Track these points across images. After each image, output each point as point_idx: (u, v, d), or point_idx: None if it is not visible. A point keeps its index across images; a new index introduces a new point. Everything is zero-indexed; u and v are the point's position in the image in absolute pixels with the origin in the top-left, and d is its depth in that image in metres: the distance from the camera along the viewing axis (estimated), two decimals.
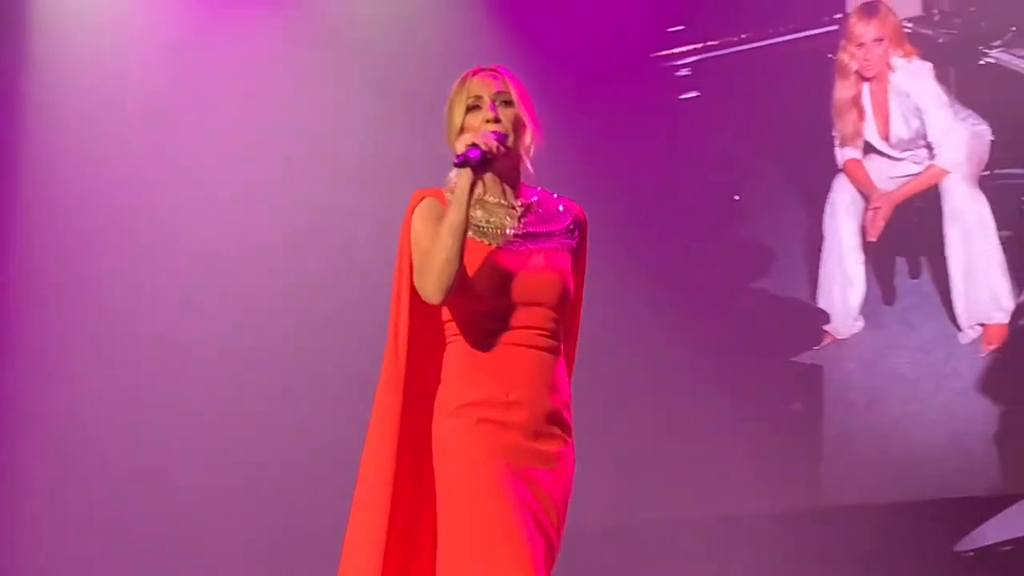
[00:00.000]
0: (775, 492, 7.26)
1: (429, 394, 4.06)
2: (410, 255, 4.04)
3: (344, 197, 7.69)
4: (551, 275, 4.04)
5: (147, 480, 7.58)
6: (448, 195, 4.04)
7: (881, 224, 7.32)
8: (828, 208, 7.42)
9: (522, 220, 4.09)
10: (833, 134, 7.43)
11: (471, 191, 3.94)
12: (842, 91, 7.41)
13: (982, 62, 7.21)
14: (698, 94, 7.79)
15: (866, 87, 7.37)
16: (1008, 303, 7.05)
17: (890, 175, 7.34)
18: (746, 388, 7.34)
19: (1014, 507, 6.78)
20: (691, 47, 7.81)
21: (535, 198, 4.12)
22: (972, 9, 7.30)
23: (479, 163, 3.92)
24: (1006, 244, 7.10)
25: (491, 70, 4.13)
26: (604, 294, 7.46)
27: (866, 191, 7.39)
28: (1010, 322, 7.05)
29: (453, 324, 4.04)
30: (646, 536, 7.39)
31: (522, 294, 4.01)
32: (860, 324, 7.37)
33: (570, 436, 4.08)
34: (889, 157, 7.34)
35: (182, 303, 7.64)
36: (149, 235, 7.70)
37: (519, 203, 4.10)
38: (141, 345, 7.63)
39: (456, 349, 4.04)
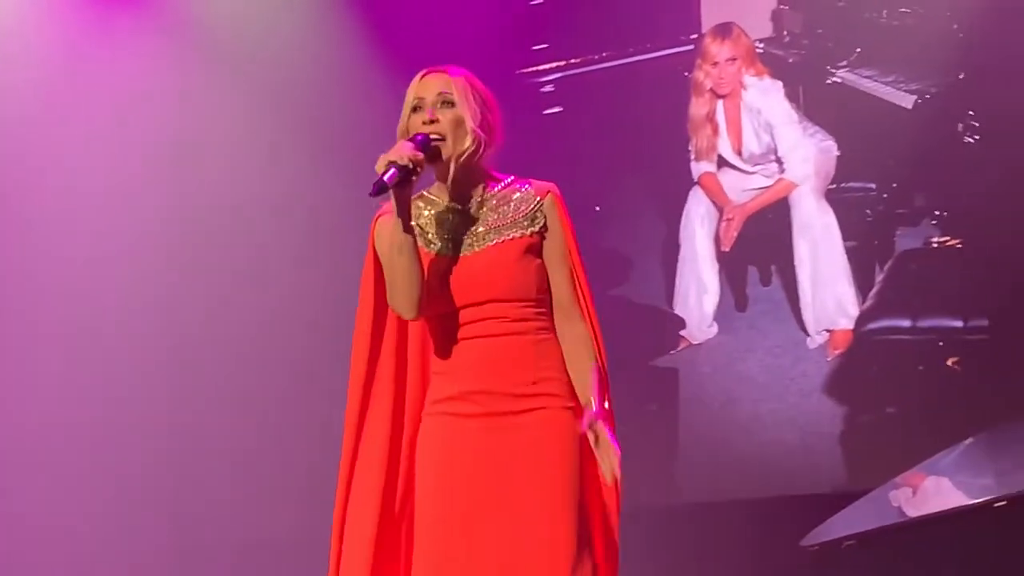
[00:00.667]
0: (631, 490, 7.14)
1: (414, 398, 4.15)
2: (375, 276, 4.09)
3: (222, 195, 7.70)
4: (497, 269, 4.03)
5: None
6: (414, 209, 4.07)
7: (734, 234, 7.47)
8: (684, 219, 7.55)
9: (474, 219, 4.07)
10: (689, 148, 7.56)
11: (405, 208, 3.93)
12: (697, 108, 7.54)
13: (829, 81, 7.38)
14: (561, 109, 7.89)
15: (720, 104, 7.50)
16: (853, 310, 7.23)
17: (742, 188, 7.49)
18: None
19: (857, 503, 6.94)
20: (555, 64, 7.91)
21: (491, 191, 4.10)
22: (820, 31, 7.45)
23: (401, 180, 3.89)
24: (851, 254, 7.26)
25: (439, 70, 4.09)
26: None
27: (720, 203, 7.52)
28: (855, 328, 7.21)
29: (428, 331, 4.12)
30: None
31: (465, 295, 4.02)
32: (714, 329, 7.50)
33: (559, 401, 4.04)
34: (742, 171, 7.49)
35: (61, 304, 7.54)
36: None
37: (473, 201, 4.09)
38: (40, 345, 7.54)
39: (433, 353, 4.10)
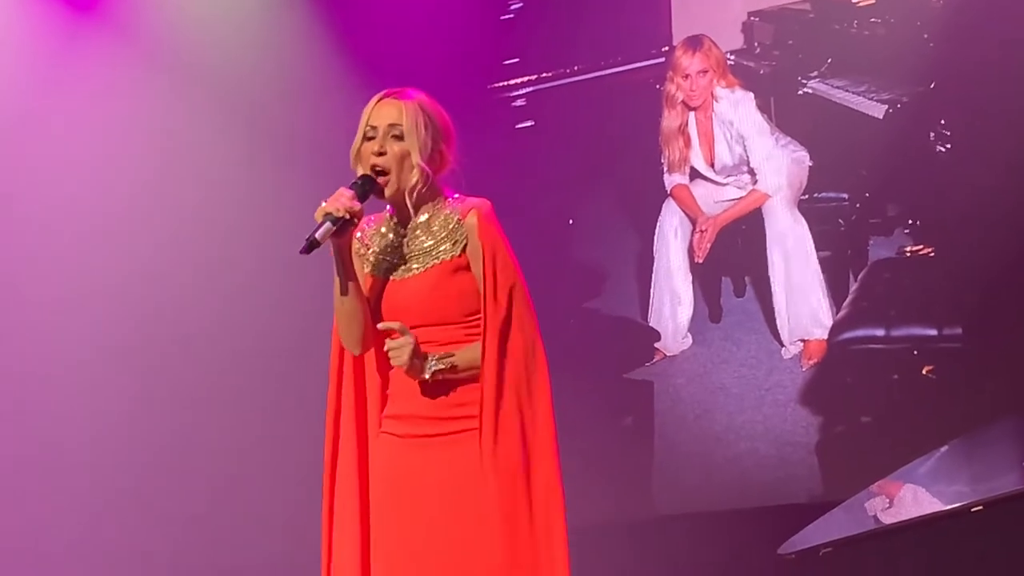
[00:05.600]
0: (608, 503, 7.34)
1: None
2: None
3: (195, 199, 7.72)
4: (422, 294, 4.15)
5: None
6: (362, 231, 4.24)
7: (707, 246, 7.48)
8: (658, 231, 7.58)
9: (407, 244, 4.18)
10: (661, 161, 7.57)
11: (345, 255, 4.10)
12: (669, 120, 7.56)
13: (801, 92, 7.40)
14: (533, 123, 7.92)
15: (692, 116, 7.52)
16: (827, 320, 7.24)
17: (715, 199, 7.51)
18: (581, 404, 7.39)
19: (833, 512, 6.95)
20: (526, 78, 7.95)
21: (427, 216, 4.18)
22: (791, 42, 7.48)
23: (338, 230, 4.01)
24: (825, 264, 7.28)
25: (393, 96, 4.17)
26: None
27: (693, 215, 7.54)
28: (829, 338, 7.22)
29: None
30: None
31: (398, 319, 4.12)
32: (688, 341, 7.52)
33: (465, 426, 4.13)
34: (714, 182, 7.51)
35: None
36: None
37: (414, 224, 4.18)
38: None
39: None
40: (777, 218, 7.39)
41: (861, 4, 7.33)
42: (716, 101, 7.50)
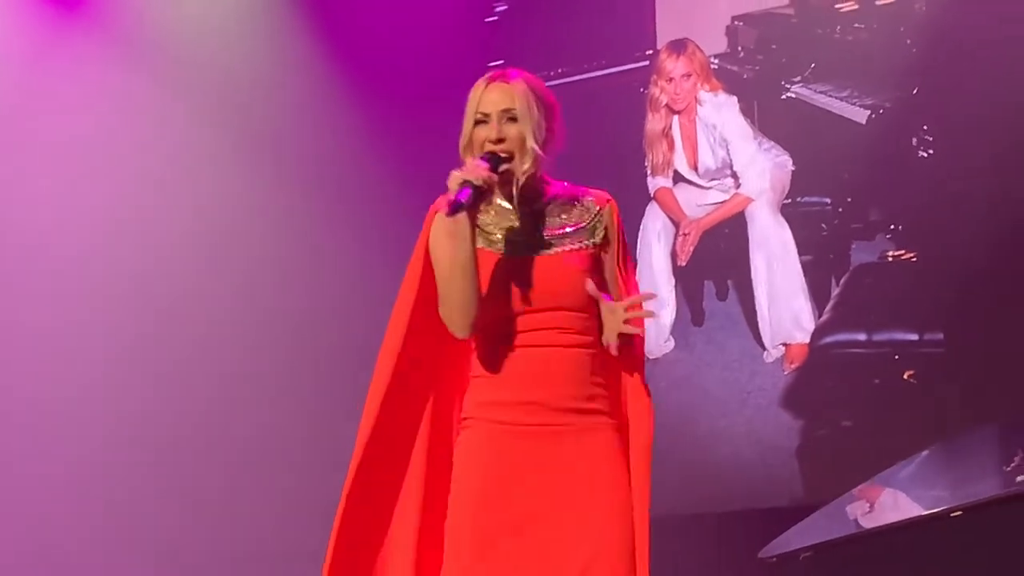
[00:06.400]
0: None
1: (448, 401, 4.11)
2: (423, 270, 4.06)
3: (172, 199, 7.72)
4: (564, 277, 4.00)
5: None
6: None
7: (690, 249, 7.49)
8: (641, 234, 7.58)
9: (537, 224, 4.04)
10: (645, 164, 7.60)
11: (472, 229, 3.91)
12: (653, 123, 7.59)
13: (784, 96, 7.42)
14: None
15: (676, 119, 7.54)
16: (809, 324, 7.25)
17: (698, 203, 7.52)
18: None
19: (814, 515, 6.96)
20: None
21: (552, 199, 4.09)
22: (774, 46, 7.51)
23: (474, 199, 3.86)
24: (807, 268, 7.30)
25: (502, 80, 4.06)
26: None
27: (676, 218, 7.55)
28: (811, 342, 7.24)
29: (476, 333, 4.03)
30: None
31: (532, 300, 3.96)
32: (671, 344, 7.53)
33: (609, 420, 4.05)
34: (697, 186, 7.53)
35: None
36: None
37: (534, 207, 4.05)
38: None
39: (477, 356, 4.04)
40: (760, 222, 7.41)
41: (844, 9, 7.35)
42: (700, 105, 7.51)
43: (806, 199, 7.38)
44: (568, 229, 4.06)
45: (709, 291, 7.55)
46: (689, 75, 7.52)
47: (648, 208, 7.62)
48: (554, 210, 4.07)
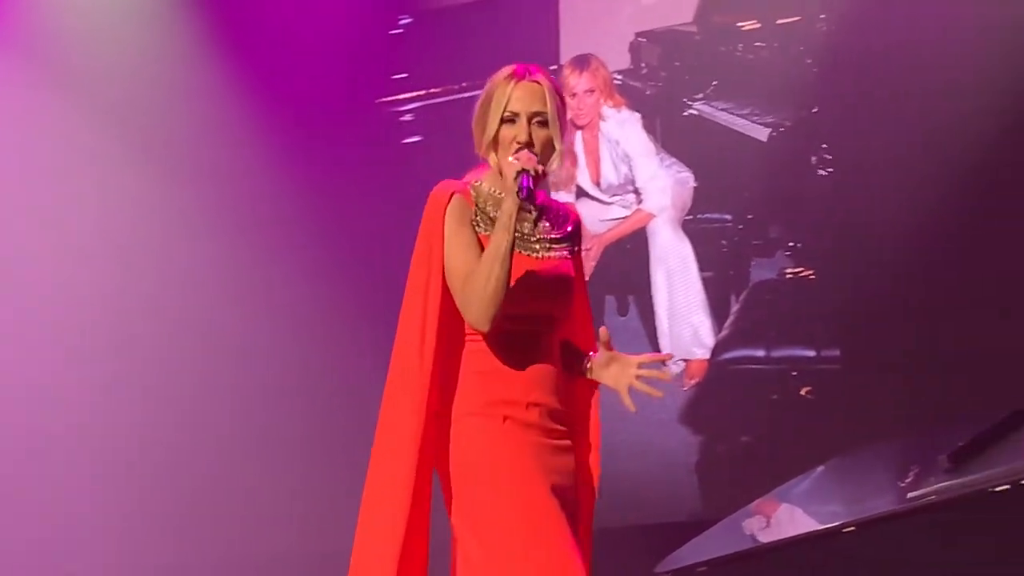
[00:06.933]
0: None
1: (441, 391, 3.95)
2: (441, 254, 3.91)
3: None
4: (560, 283, 3.96)
5: None
6: (473, 192, 3.96)
7: (592, 264, 7.50)
8: None
9: (537, 225, 3.98)
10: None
11: (516, 219, 3.82)
12: None
13: (686, 113, 7.48)
14: (420, 139, 7.91)
15: (579, 135, 7.55)
16: (709, 340, 7.31)
17: (601, 218, 7.53)
18: None
19: (710, 530, 6.96)
20: (414, 94, 7.94)
21: (543, 205, 3.99)
22: (677, 64, 7.55)
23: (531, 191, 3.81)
24: (708, 284, 7.34)
25: (534, 80, 3.97)
26: (342, 332, 7.62)
27: None
28: (710, 358, 7.29)
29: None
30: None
31: (538, 299, 3.90)
32: None
33: (570, 434, 4.04)
34: (600, 201, 7.54)
35: None
36: None
37: (534, 209, 3.96)
38: None
39: (475, 348, 3.92)
40: (661, 238, 7.45)
41: (746, 28, 7.41)
42: (603, 120, 7.54)
43: (707, 215, 7.43)
44: (559, 236, 4.01)
45: (610, 306, 7.57)
46: (592, 91, 7.54)
47: None
48: (549, 215, 4.01)
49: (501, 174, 3.95)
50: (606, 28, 7.65)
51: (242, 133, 7.87)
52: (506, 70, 4.00)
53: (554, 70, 7.64)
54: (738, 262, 7.35)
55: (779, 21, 7.35)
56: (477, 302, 3.82)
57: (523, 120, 3.93)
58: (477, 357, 3.93)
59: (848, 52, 7.16)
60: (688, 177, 7.45)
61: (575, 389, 4.13)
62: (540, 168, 3.86)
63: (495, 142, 3.96)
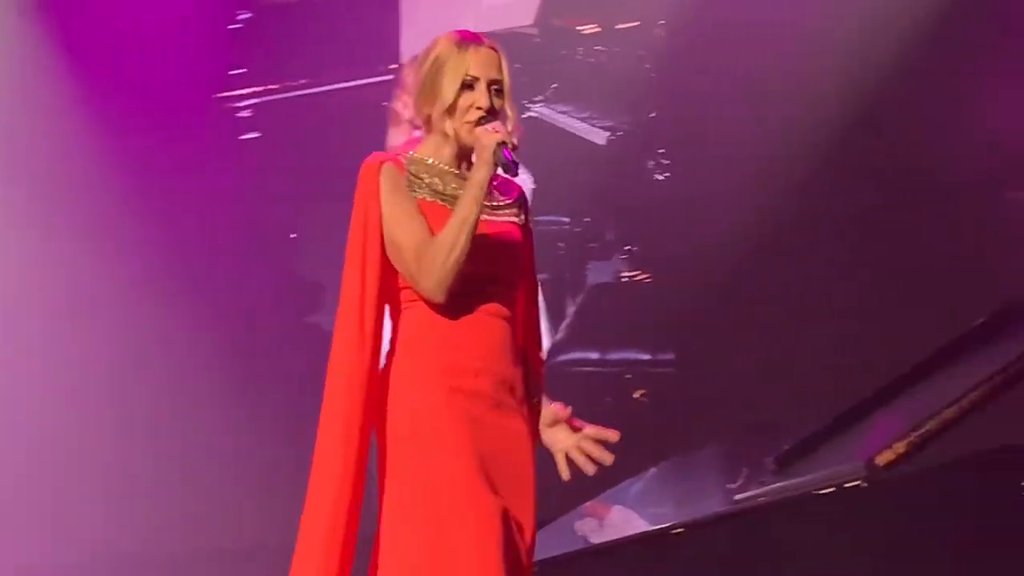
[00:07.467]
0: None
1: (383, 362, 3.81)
2: (378, 224, 3.80)
3: None
4: (510, 247, 3.84)
5: None
6: (405, 161, 3.83)
7: None
8: None
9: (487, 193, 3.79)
10: None
11: (486, 188, 3.71)
12: (395, 138, 7.50)
13: (525, 115, 7.33)
14: (259, 135, 7.84)
15: (418, 135, 7.57)
16: (544, 342, 7.30)
17: None
18: (298, 418, 7.33)
19: (542, 531, 7.02)
20: (253, 90, 7.87)
21: (512, 168, 3.77)
22: (517, 66, 7.35)
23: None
24: (544, 286, 7.16)
25: (491, 47, 3.84)
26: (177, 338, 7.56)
27: None
28: (546, 360, 7.25)
29: (411, 290, 3.79)
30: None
31: (486, 263, 3.76)
32: None
33: (526, 407, 3.87)
34: None
35: None
36: None
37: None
38: None
39: (415, 315, 3.80)
40: None
41: (587, 32, 7.45)
42: None
43: (544, 218, 7.40)
44: (507, 201, 3.90)
45: None
46: None
47: None
48: (493, 182, 3.83)
49: (460, 141, 3.80)
50: (447, 28, 7.58)
51: (75, 128, 7.76)
52: (452, 36, 3.86)
53: (395, 69, 7.64)
54: (574, 265, 7.39)
55: (619, 26, 7.40)
56: (438, 271, 3.70)
57: (483, 85, 3.78)
58: (418, 324, 3.80)
59: (685, 57, 7.23)
60: (527, 179, 7.42)
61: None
62: (515, 140, 3.74)
63: (451, 109, 3.79)
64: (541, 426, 3.93)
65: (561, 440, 3.92)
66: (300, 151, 7.80)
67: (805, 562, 4.98)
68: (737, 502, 5.30)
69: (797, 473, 5.13)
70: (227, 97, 7.91)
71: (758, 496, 5.21)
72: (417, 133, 4.02)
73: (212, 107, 7.88)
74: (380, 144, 7.60)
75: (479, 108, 3.76)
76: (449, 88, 3.77)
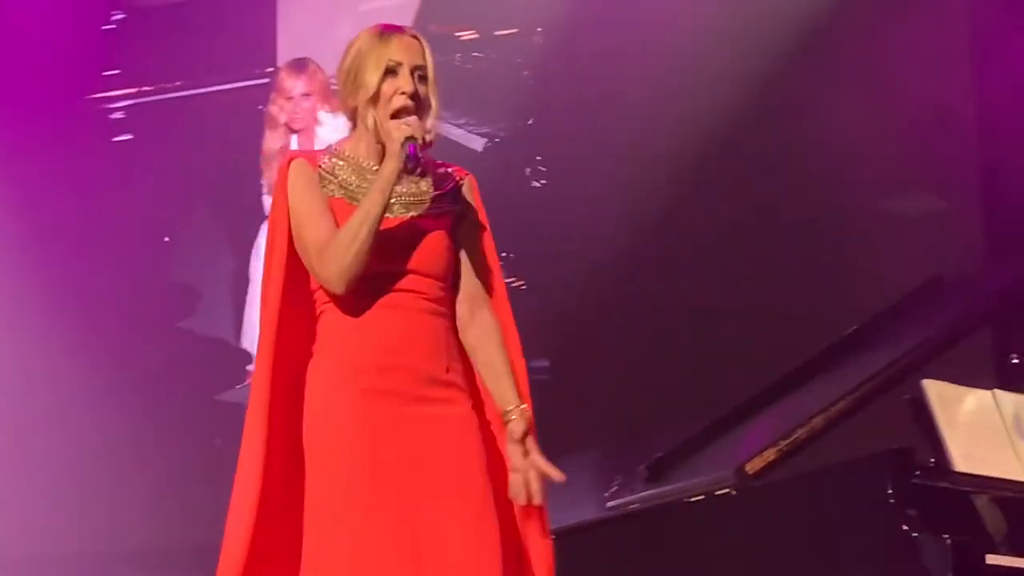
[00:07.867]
0: (194, 524, 7.29)
1: (302, 364, 3.81)
2: (286, 221, 3.80)
3: None
4: (421, 240, 3.82)
5: None
6: (326, 159, 3.84)
7: None
8: (254, 252, 7.45)
9: (405, 186, 3.83)
10: (261, 182, 7.48)
11: (394, 183, 3.72)
12: (271, 142, 7.51)
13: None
14: (132, 137, 7.81)
15: (294, 139, 7.43)
16: None
17: None
18: (171, 424, 7.40)
19: None
20: (126, 91, 7.84)
21: (412, 165, 3.79)
22: None
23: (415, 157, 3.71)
24: None
25: (412, 35, 3.87)
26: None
27: None
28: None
29: (324, 292, 3.79)
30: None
31: (386, 259, 3.76)
32: None
33: (466, 397, 3.86)
34: None
35: None
36: None
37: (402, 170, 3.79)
38: None
39: (327, 318, 3.81)
40: None
41: (464, 38, 7.47)
42: (319, 125, 7.43)
43: None
44: (434, 194, 3.89)
45: None
46: (309, 95, 7.44)
47: (262, 227, 7.47)
48: (417, 176, 3.86)
49: (380, 132, 3.80)
50: (324, 31, 7.65)
51: None
52: (371, 29, 3.88)
53: (270, 72, 7.64)
54: None
55: (497, 32, 7.42)
56: (337, 262, 3.71)
57: (406, 70, 3.80)
58: (332, 326, 3.81)
59: (563, 64, 7.26)
60: None
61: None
62: (428, 137, 3.75)
63: (375, 97, 3.80)
64: (507, 437, 3.93)
65: (512, 462, 3.91)
66: (175, 154, 7.77)
67: (676, 568, 5.02)
68: (610, 509, 5.33)
69: (670, 480, 5.17)
70: (100, 98, 7.87)
71: (630, 503, 5.24)
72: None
73: (84, 107, 7.85)
74: (255, 148, 7.60)
75: (403, 93, 3.78)
76: (372, 76, 3.79)
